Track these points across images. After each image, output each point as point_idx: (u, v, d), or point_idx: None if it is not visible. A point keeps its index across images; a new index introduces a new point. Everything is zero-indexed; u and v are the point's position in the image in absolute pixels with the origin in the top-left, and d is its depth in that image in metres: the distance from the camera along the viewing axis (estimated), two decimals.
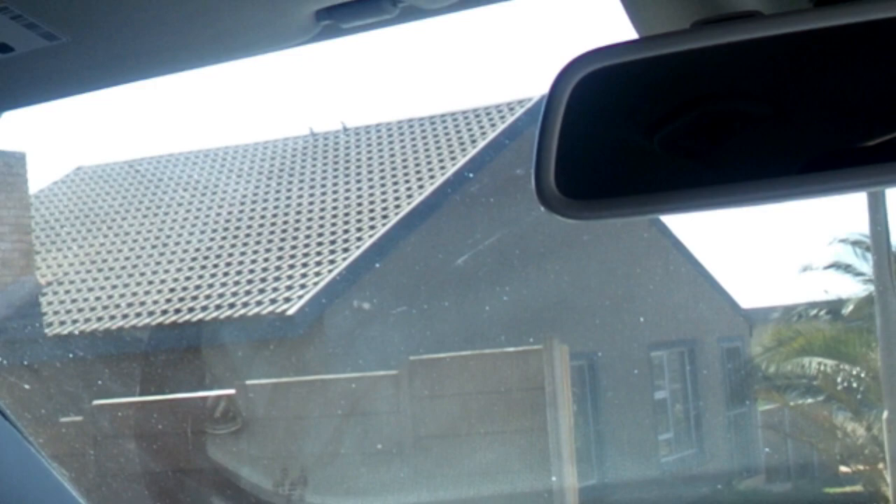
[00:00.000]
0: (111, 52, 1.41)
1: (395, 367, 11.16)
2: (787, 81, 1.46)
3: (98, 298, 14.83)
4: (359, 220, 15.28)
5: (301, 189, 16.74)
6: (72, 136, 33.81)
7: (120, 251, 16.17)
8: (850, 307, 16.95)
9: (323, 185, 16.66)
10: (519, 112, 16.70)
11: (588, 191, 1.47)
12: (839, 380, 15.97)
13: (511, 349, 11.11)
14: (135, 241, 16.38)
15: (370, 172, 16.59)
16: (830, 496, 15.61)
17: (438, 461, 10.74)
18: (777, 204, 1.48)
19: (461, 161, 15.96)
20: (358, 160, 17.16)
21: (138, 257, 15.80)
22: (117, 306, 14.44)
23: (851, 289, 17.38)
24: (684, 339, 19.04)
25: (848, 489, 15.63)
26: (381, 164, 16.77)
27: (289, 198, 16.57)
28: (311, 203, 16.21)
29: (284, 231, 15.58)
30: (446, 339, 13.35)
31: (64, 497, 2.00)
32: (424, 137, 17.22)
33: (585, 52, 1.44)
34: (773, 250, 32.43)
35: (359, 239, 14.80)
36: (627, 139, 1.50)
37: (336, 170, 17.07)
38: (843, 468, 15.82)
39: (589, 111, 1.45)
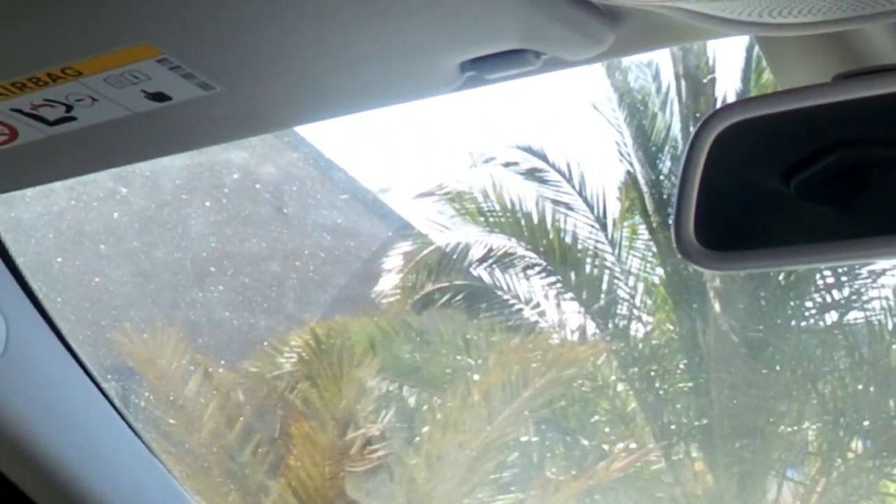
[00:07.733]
0: (261, 101, 1.45)
1: None
2: None
3: None
4: None
5: None
6: None
7: None
8: None
9: None
10: None
11: (726, 242, 1.48)
12: None
13: None
14: None
15: None
16: None
17: None
18: None
19: None
20: None
21: None
22: None
23: None
24: None
25: None
26: None
27: None
28: None
29: None
30: None
31: (178, 497, 2.03)
32: None
33: (727, 104, 1.46)
34: None
35: None
36: (763, 188, 1.51)
37: None
38: None
39: (727, 162, 1.46)
